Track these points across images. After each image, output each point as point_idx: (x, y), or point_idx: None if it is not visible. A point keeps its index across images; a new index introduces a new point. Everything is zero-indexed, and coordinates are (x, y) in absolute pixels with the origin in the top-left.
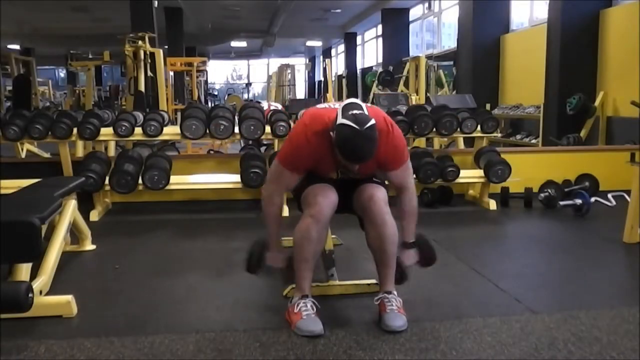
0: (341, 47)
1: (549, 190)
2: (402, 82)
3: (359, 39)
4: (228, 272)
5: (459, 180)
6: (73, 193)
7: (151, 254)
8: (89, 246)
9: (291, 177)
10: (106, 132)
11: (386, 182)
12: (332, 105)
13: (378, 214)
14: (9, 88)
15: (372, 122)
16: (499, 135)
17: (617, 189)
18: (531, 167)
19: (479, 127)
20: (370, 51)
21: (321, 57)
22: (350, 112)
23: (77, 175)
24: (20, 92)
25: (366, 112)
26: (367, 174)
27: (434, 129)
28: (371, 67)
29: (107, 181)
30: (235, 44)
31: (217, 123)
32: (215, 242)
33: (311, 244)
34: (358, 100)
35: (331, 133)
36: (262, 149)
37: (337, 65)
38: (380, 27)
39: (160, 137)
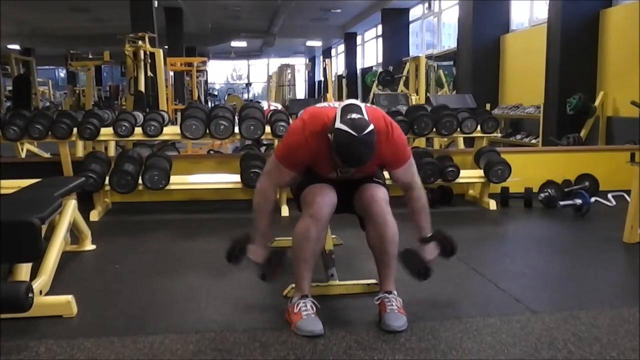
0: (341, 47)
1: (549, 190)
2: (402, 82)
3: (359, 39)
4: (228, 272)
5: (459, 180)
6: (73, 193)
7: (151, 254)
8: (89, 246)
9: (287, 174)
10: (106, 132)
11: (387, 182)
12: (332, 104)
13: (379, 214)
14: (9, 88)
15: (370, 128)
16: (499, 135)
17: (617, 189)
18: (531, 167)
19: (479, 127)
20: (370, 51)
21: (321, 57)
22: (348, 117)
23: (77, 175)
24: (20, 92)
25: (365, 116)
26: (366, 173)
27: (434, 129)
28: (371, 67)
29: (107, 181)
30: (235, 44)
31: (217, 123)
32: (215, 242)
33: (310, 244)
34: (357, 102)
35: (329, 135)
36: (262, 149)
37: (337, 65)
38: (380, 27)
39: (160, 137)
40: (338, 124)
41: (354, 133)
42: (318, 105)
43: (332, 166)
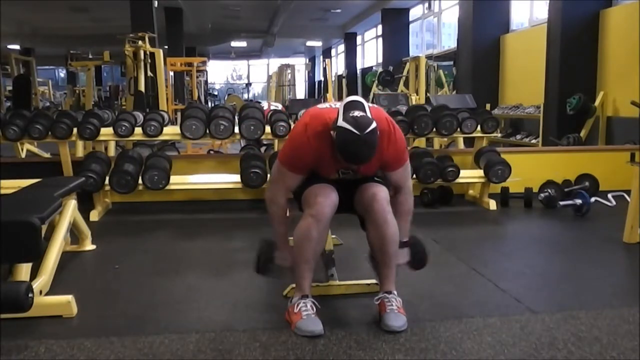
0: (341, 47)
1: (549, 190)
2: (402, 82)
3: (359, 39)
4: (228, 272)
5: (459, 180)
6: (73, 193)
7: (151, 254)
8: (89, 246)
9: (293, 177)
10: (106, 132)
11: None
12: (333, 105)
13: (380, 213)
14: (9, 88)
15: (373, 126)
16: (499, 135)
17: (617, 189)
18: (531, 167)
19: (479, 127)
20: (370, 51)
21: (321, 57)
22: (351, 114)
23: (77, 175)
24: (20, 92)
25: (368, 113)
26: (368, 173)
27: (434, 129)
28: (371, 67)
29: (107, 181)
30: (235, 44)
31: (217, 123)
32: (215, 242)
33: (312, 244)
34: (360, 98)
35: (332, 132)
36: (262, 149)
37: (337, 65)
38: (380, 27)
39: (160, 137)
40: (340, 122)
41: (356, 132)
42: (319, 105)
43: (334, 167)
